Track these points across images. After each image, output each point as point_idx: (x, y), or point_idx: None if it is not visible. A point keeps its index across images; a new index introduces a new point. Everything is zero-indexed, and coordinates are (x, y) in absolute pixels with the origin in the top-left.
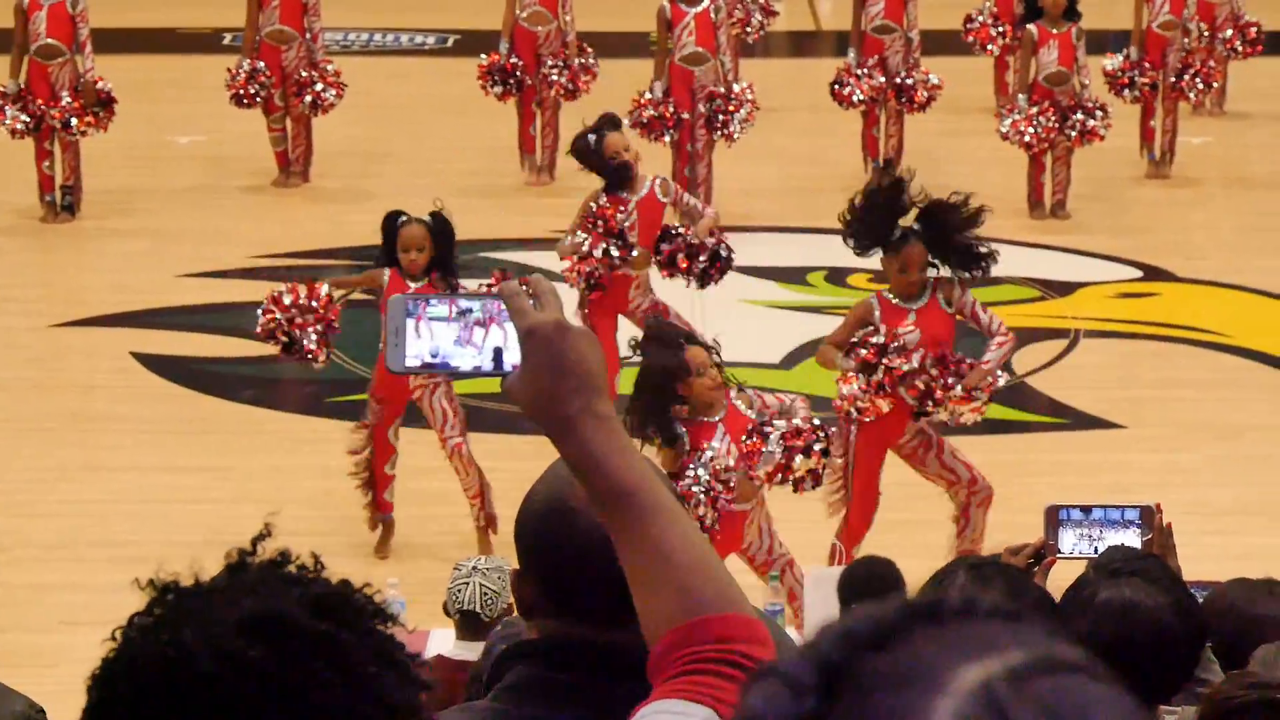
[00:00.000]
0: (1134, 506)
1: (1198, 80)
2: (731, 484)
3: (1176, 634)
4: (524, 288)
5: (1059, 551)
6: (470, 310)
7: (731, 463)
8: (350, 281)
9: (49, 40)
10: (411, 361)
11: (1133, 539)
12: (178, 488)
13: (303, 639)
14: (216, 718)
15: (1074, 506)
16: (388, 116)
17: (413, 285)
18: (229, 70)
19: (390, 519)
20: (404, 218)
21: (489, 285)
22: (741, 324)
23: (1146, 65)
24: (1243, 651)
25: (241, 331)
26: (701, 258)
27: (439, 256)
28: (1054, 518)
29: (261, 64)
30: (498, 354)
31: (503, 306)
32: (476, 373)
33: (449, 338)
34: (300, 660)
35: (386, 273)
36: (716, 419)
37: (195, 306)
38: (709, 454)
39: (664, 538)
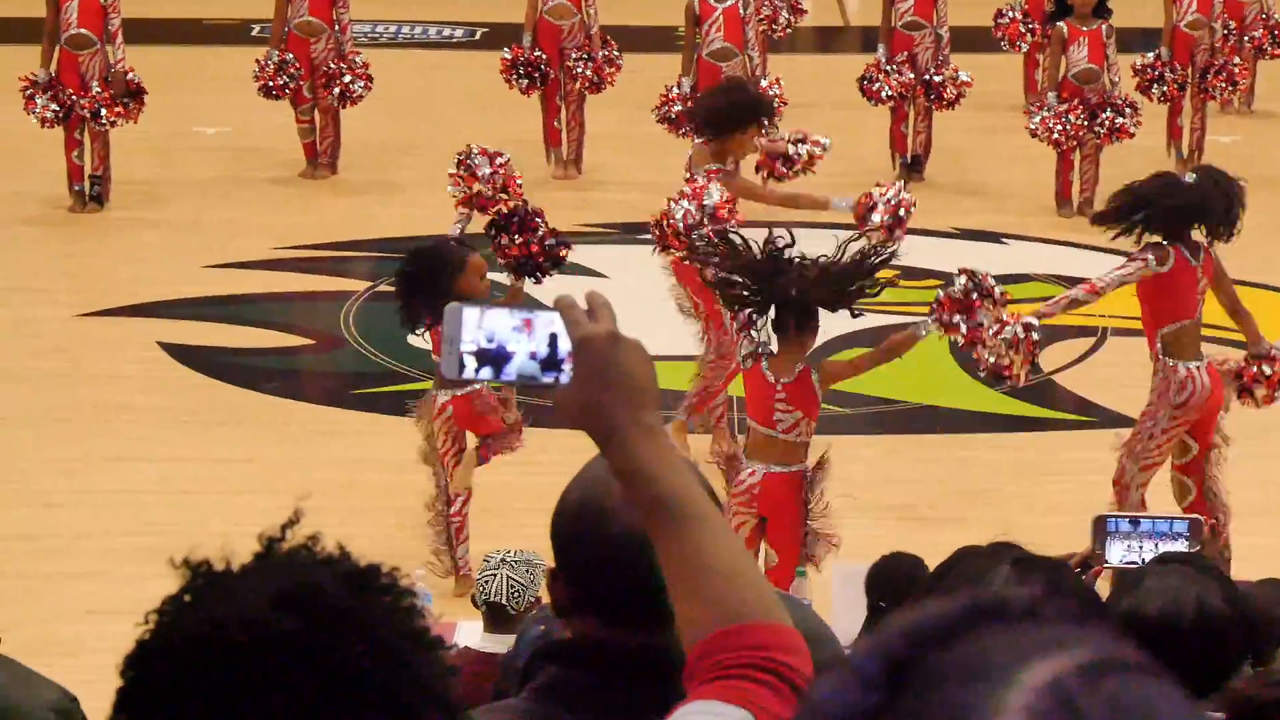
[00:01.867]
0: (1182, 519)
1: (1223, 79)
2: None
3: (1224, 622)
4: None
5: (1106, 562)
6: (516, 317)
7: None
8: None
9: (80, 30)
10: (468, 348)
11: (1183, 552)
12: (202, 478)
13: (336, 612)
14: (252, 691)
15: (1122, 517)
16: (415, 109)
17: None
18: (257, 62)
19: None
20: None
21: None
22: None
23: (1175, 64)
24: (1268, 651)
25: (266, 322)
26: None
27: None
28: (1102, 528)
29: (290, 55)
30: (553, 339)
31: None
32: (532, 363)
33: (507, 324)
34: (334, 633)
35: None
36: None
37: (221, 297)
38: None
39: (704, 547)
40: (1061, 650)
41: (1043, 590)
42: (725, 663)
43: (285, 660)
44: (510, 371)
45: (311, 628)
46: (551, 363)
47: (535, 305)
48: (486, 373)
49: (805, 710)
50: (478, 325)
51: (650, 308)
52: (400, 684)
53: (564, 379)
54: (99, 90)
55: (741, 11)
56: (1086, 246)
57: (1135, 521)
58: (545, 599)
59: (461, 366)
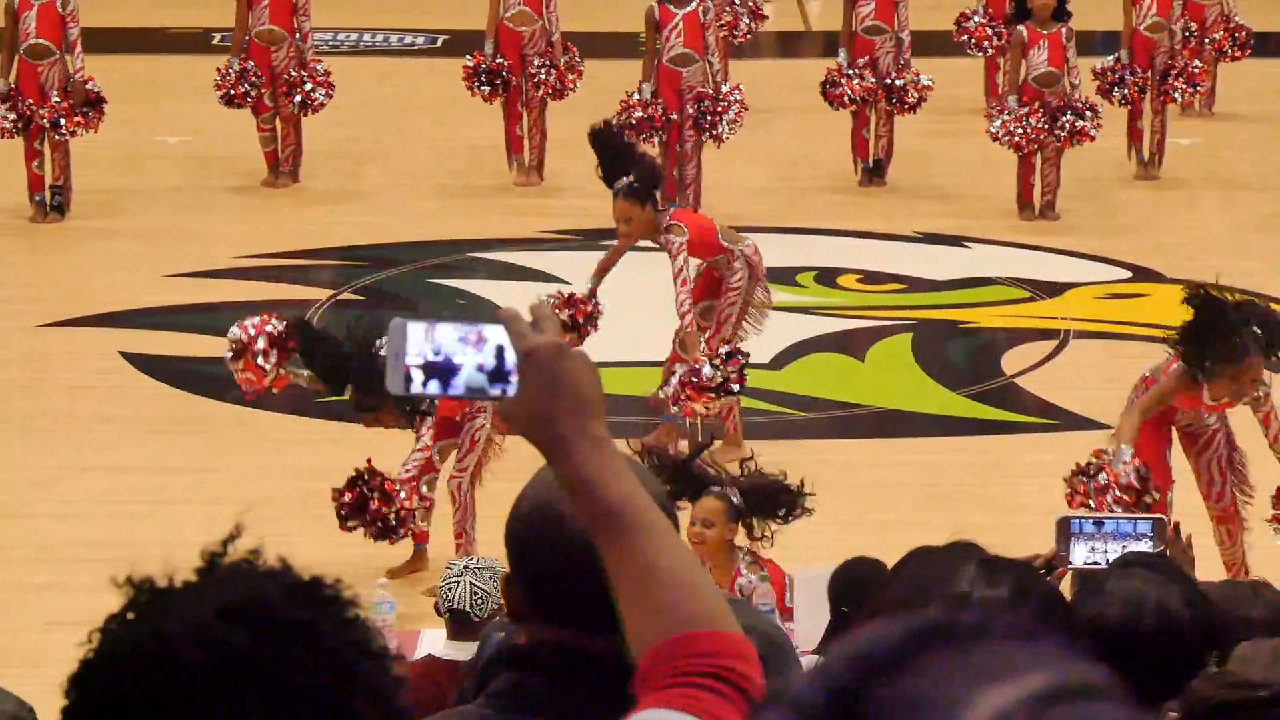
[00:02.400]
0: (1146, 519)
1: (1184, 82)
2: None
3: (1184, 625)
4: (524, 313)
5: (1070, 563)
6: (466, 329)
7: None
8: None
9: (39, 40)
10: (414, 361)
11: (1147, 551)
12: (166, 488)
13: (283, 625)
14: (200, 706)
15: (1086, 518)
16: (377, 117)
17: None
18: (218, 70)
19: (420, 549)
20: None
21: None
22: None
23: (1135, 67)
24: (1228, 652)
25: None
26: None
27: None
28: (1066, 529)
29: (251, 64)
30: (500, 352)
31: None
32: (480, 375)
33: (452, 336)
34: (281, 645)
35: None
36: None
37: (183, 306)
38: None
39: (654, 556)
40: (1010, 678)
41: (1006, 593)
42: (676, 670)
43: (233, 675)
44: (458, 384)
45: (259, 641)
46: (499, 375)
47: (479, 319)
48: (434, 386)
49: None
50: (423, 339)
51: (610, 312)
52: (347, 695)
53: (511, 391)
54: (58, 100)
55: (702, 17)
56: (1049, 250)
57: (1099, 523)
58: None
59: (408, 381)
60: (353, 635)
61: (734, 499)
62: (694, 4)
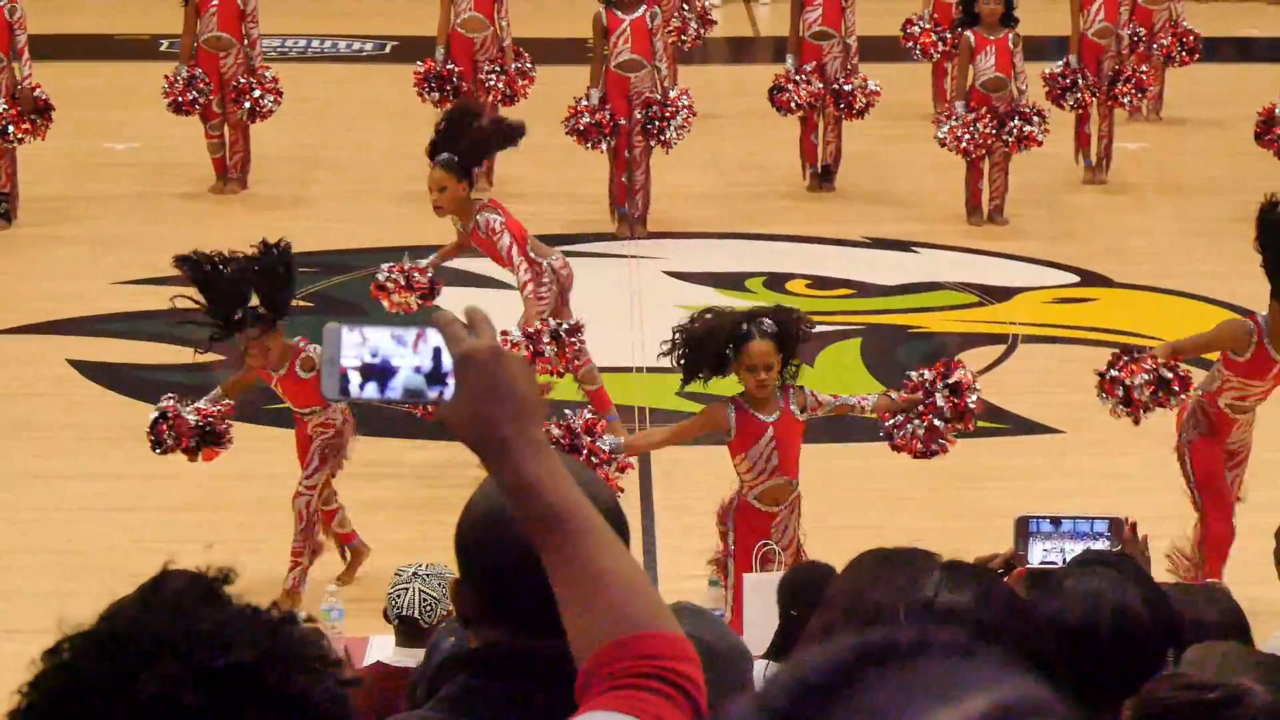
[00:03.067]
0: (1103, 518)
1: (1131, 87)
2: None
3: (1144, 624)
4: (459, 317)
5: (1028, 562)
6: (404, 333)
7: (771, 467)
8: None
9: None
10: (350, 363)
11: (1105, 551)
12: (117, 494)
13: (222, 696)
14: None
15: (1043, 518)
16: (326, 123)
17: (276, 375)
18: (166, 77)
19: (354, 546)
20: (244, 314)
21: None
22: None
23: (1084, 72)
24: (1178, 654)
25: (177, 339)
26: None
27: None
28: (1024, 529)
29: (199, 71)
30: (436, 354)
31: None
32: (418, 377)
33: (388, 337)
34: (220, 701)
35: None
36: (769, 419)
37: (132, 313)
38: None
39: (594, 559)
40: (947, 700)
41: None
42: (619, 673)
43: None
44: (395, 387)
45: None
46: (436, 377)
47: (415, 322)
48: (371, 389)
49: None
50: (359, 343)
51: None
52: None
53: (448, 394)
54: (6, 107)
55: (649, 23)
56: (997, 254)
57: (1056, 522)
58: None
59: (345, 384)
60: (307, 663)
61: (773, 332)
62: (641, 10)
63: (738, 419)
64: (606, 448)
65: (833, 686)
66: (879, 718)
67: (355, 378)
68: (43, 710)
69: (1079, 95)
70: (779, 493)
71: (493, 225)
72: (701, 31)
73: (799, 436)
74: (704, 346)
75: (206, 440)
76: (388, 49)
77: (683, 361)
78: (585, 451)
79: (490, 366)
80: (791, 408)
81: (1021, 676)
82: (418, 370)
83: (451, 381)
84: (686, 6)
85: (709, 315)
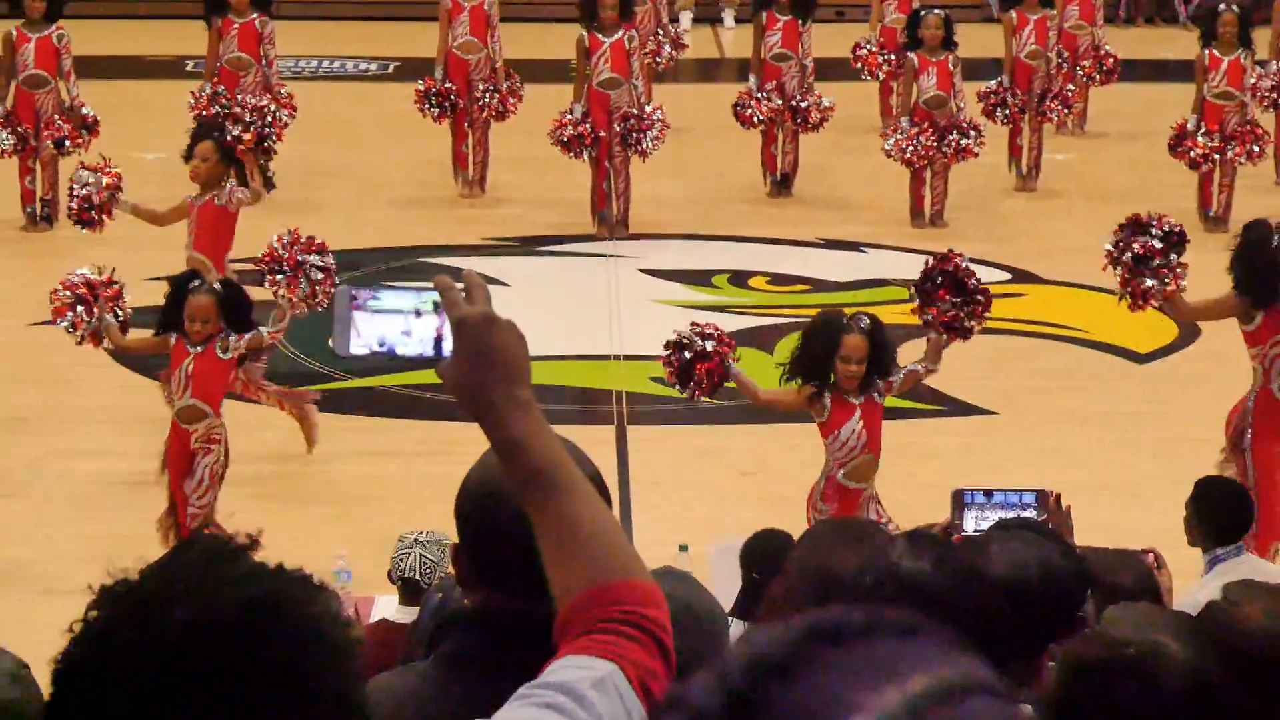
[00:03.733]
0: (1030, 491)
1: (1058, 104)
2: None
3: (1064, 575)
4: (457, 283)
5: (963, 530)
6: (411, 302)
7: (861, 444)
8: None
9: (36, 71)
10: (358, 349)
11: (1032, 519)
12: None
13: (238, 647)
14: (171, 713)
15: (977, 490)
16: (336, 136)
17: (194, 350)
18: (192, 93)
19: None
20: (195, 283)
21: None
22: (654, 322)
23: (1016, 90)
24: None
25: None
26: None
27: (230, 324)
28: (959, 501)
29: (222, 88)
30: (437, 341)
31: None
32: (420, 358)
33: (395, 328)
34: (246, 649)
35: (173, 339)
36: (856, 402)
37: (159, 306)
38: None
39: (574, 513)
40: (894, 680)
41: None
42: (593, 619)
43: (191, 690)
44: (398, 346)
45: (215, 659)
46: (436, 339)
47: (419, 288)
48: (376, 347)
49: None
50: (366, 325)
51: (546, 312)
52: (309, 664)
53: (445, 352)
54: (60, 123)
55: (627, 45)
56: (937, 254)
57: (989, 494)
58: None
59: (352, 341)
60: (306, 637)
61: (868, 330)
62: (620, 34)
63: (832, 402)
64: (731, 369)
65: (786, 665)
66: (829, 696)
67: (366, 335)
68: (92, 637)
69: (1009, 111)
70: (865, 469)
71: (245, 197)
72: (674, 54)
73: (880, 418)
74: (813, 339)
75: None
76: (391, 69)
77: (795, 353)
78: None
79: (482, 332)
80: (873, 394)
81: (963, 656)
82: (420, 355)
83: (447, 345)
84: (661, 31)
85: (821, 314)
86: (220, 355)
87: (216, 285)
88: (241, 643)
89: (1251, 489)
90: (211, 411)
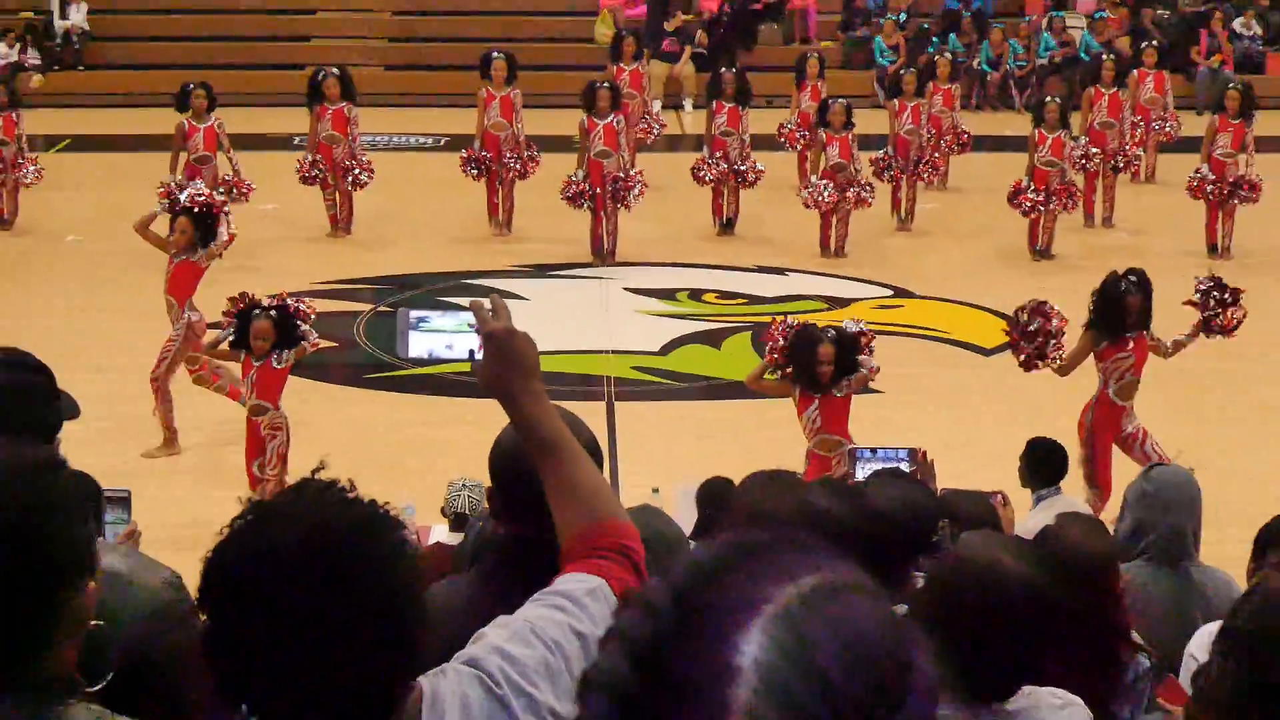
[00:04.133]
0: (905, 448)
1: (928, 167)
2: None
3: (921, 504)
4: (487, 304)
5: (855, 478)
6: (452, 324)
7: (817, 426)
8: (217, 353)
9: (204, 153)
10: (417, 354)
11: (904, 469)
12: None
13: (352, 550)
14: (293, 597)
15: (867, 449)
16: (402, 191)
17: (257, 363)
18: (298, 161)
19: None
20: (256, 310)
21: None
22: (636, 326)
23: (898, 157)
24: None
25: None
26: None
27: (282, 341)
28: (854, 456)
29: (319, 156)
30: (471, 352)
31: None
32: (460, 347)
33: (440, 343)
34: (350, 554)
35: (242, 354)
36: (818, 395)
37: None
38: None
39: (573, 472)
40: (792, 580)
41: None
42: (588, 548)
43: (316, 583)
44: (445, 351)
45: (327, 558)
46: (470, 362)
47: (459, 310)
48: (428, 352)
49: (611, 634)
50: (419, 337)
51: (555, 318)
52: (396, 570)
53: (479, 356)
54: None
55: (615, 126)
56: (840, 277)
57: (874, 451)
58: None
59: (409, 347)
60: (396, 535)
61: (835, 340)
62: (610, 118)
63: (800, 394)
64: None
65: (716, 569)
66: (745, 592)
67: (418, 347)
68: (236, 538)
69: (893, 173)
70: (830, 444)
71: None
72: (658, 132)
73: (842, 408)
74: (798, 344)
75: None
76: (442, 142)
77: (787, 352)
78: None
79: (506, 341)
80: (834, 391)
81: (845, 565)
82: (464, 345)
83: (479, 352)
84: (648, 115)
85: (808, 326)
86: (275, 366)
87: (272, 312)
88: (346, 548)
89: (1092, 464)
90: (272, 407)
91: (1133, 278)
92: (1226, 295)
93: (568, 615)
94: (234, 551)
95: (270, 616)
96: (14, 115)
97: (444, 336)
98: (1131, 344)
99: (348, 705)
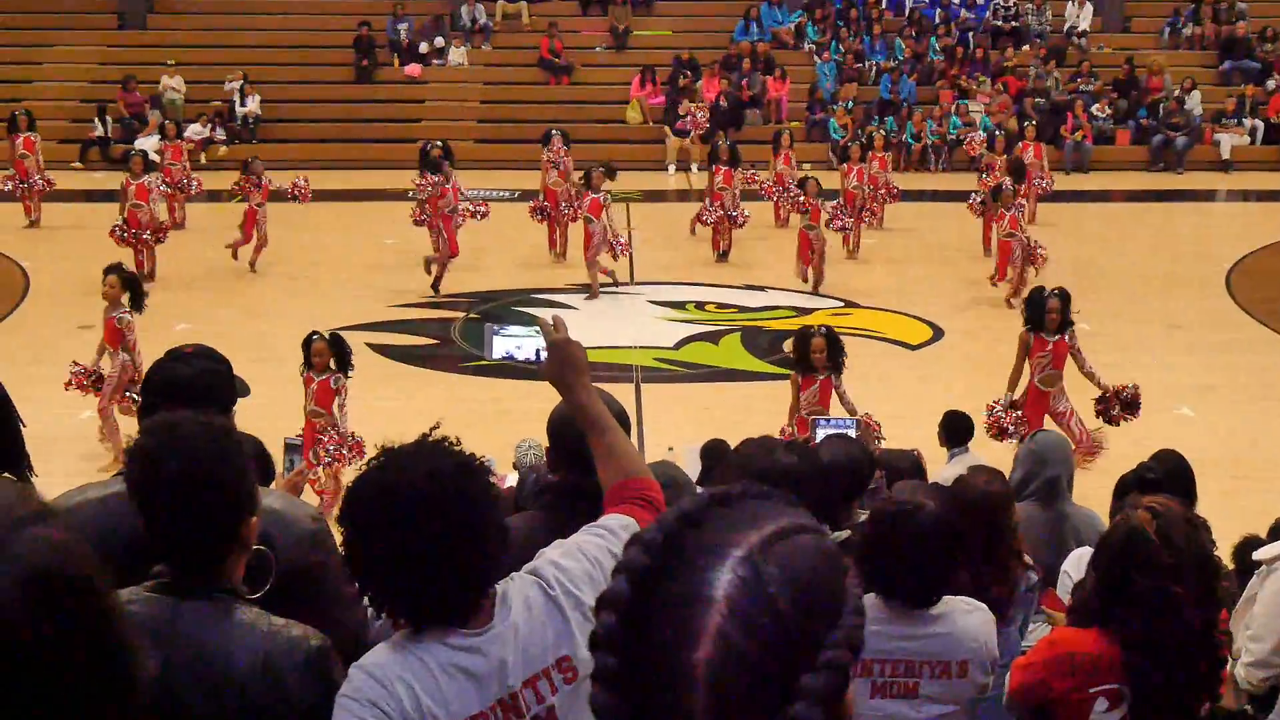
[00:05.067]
0: (852, 419)
1: (868, 214)
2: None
3: (859, 458)
4: (549, 319)
5: (814, 439)
6: (523, 332)
7: (814, 402)
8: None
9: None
10: (495, 355)
11: (850, 434)
12: (382, 410)
13: (456, 488)
14: (413, 520)
15: (822, 418)
16: (486, 230)
17: (317, 379)
18: (412, 210)
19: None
20: (314, 334)
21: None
22: (656, 329)
23: (847, 206)
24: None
25: (418, 332)
26: None
27: (338, 362)
28: (814, 423)
29: (427, 207)
30: (538, 352)
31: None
32: (527, 362)
33: (514, 345)
34: (455, 491)
35: (304, 371)
36: (818, 379)
37: (391, 322)
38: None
39: (612, 442)
40: (754, 528)
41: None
42: (621, 497)
43: (435, 501)
44: (520, 355)
45: (442, 493)
46: (538, 353)
47: (530, 323)
48: (507, 355)
49: (620, 565)
50: (501, 341)
51: (596, 321)
52: (490, 506)
53: (544, 358)
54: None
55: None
56: (803, 291)
57: (829, 420)
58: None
59: (493, 352)
60: (486, 479)
61: (826, 335)
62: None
63: (802, 379)
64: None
65: (697, 517)
66: (719, 536)
67: (499, 349)
68: (372, 474)
69: (844, 220)
70: (816, 413)
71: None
72: (619, 250)
73: (829, 391)
74: (798, 341)
75: None
76: (516, 195)
77: (793, 349)
78: None
79: (564, 349)
80: (829, 376)
81: (797, 510)
82: (528, 360)
83: (544, 355)
84: (614, 240)
85: (805, 328)
86: (332, 385)
87: (327, 334)
88: (451, 486)
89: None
90: (327, 414)
91: (1055, 289)
92: (1124, 413)
93: (605, 541)
94: (369, 485)
95: (395, 534)
96: (147, 182)
97: (516, 339)
98: (1050, 345)
99: (449, 600)
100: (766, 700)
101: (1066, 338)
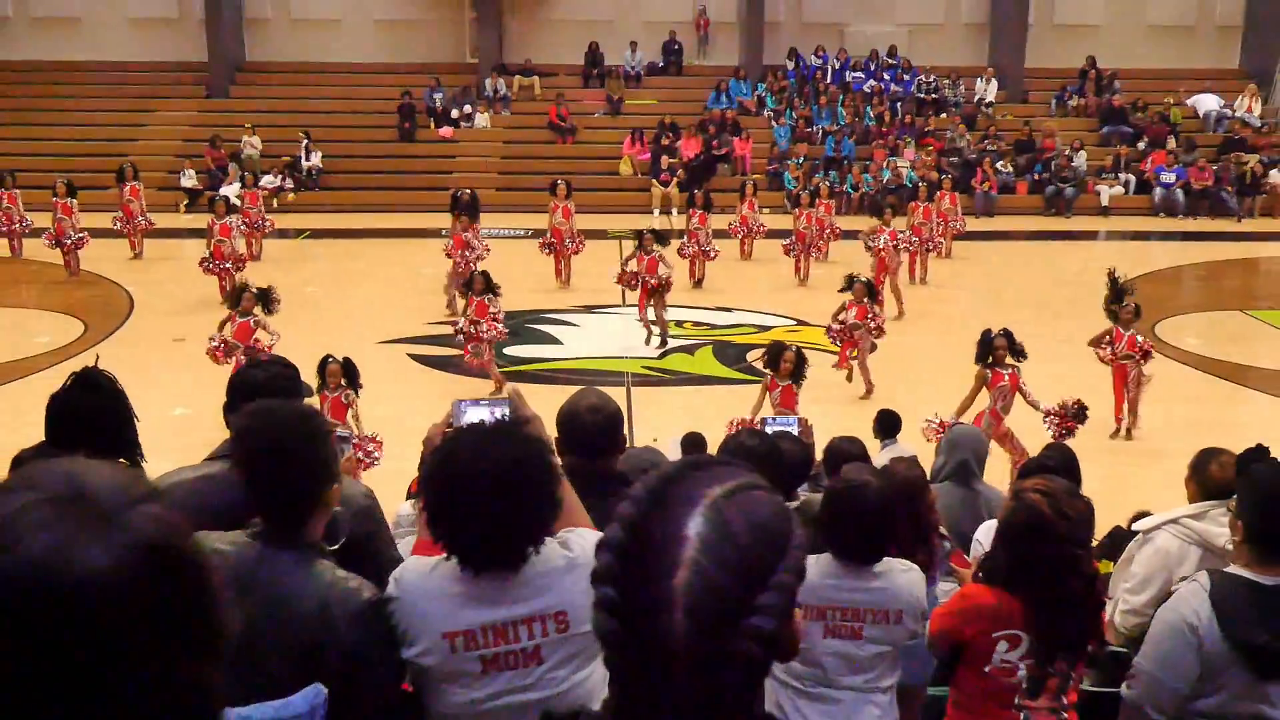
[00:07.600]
0: (796, 417)
1: (815, 249)
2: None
3: (796, 454)
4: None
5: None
6: (492, 401)
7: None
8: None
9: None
10: (468, 410)
11: (794, 432)
12: (415, 410)
13: (512, 459)
14: (483, 485)
15: (770, 417)
16: (503, 263)
17: (331, 395)
18: (445, 246)
19: None
20: (330, 357)
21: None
22: (642, 341)
23: (798, 243)
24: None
25: (447, 343)
26: None
27: (349, 381)
28: (764, 422)
29: (453, 242)
30: (507, 409)
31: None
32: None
33: (486, 412)
34: (511, 466)
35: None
36: (781, 385)
37: (426, 337)
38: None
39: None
40: (718, 484)
41: (760, 442)
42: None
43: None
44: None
45: (509, 457)
46: (504, 415)
47: (496, 401)
48: (473, 419)
49: (615, 515)
50: (471, 404)
51: (597, 335)
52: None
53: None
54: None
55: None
56: (763, 312)
57: (773, 420)
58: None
59: (461, 420)
60: (548, 459)
61: (795, 351)
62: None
63: (771, 382)
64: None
65: (675, 478)
66: (691, 491)
67: (472, 417)
68: (444, 454)
69: (795, 255)
70: (778, 413)
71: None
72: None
73: (793, 396)
74: (773, 352)
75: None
76: (529, 233)
77: (766, 359)
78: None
79: (529, 421)
80: (792, 384)
81: (753, 474)
82: (500, 411)
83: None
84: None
85: (777, 343)
86: (343, 401)
87: (341, 359)
88: (513, 458)
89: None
90: (340, 425)
91: (1002, 330)
92: (1073, 422)
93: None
94: (446, 458)
95: (470, 495)
96: (229, 222)
97: (486, 408)
98: (1005, 378)
99: (513, 548)
100: (731, 615)
101: (1017, 372)
